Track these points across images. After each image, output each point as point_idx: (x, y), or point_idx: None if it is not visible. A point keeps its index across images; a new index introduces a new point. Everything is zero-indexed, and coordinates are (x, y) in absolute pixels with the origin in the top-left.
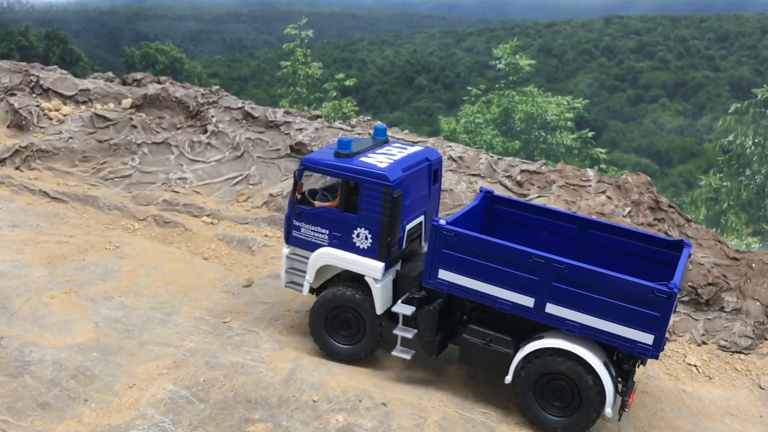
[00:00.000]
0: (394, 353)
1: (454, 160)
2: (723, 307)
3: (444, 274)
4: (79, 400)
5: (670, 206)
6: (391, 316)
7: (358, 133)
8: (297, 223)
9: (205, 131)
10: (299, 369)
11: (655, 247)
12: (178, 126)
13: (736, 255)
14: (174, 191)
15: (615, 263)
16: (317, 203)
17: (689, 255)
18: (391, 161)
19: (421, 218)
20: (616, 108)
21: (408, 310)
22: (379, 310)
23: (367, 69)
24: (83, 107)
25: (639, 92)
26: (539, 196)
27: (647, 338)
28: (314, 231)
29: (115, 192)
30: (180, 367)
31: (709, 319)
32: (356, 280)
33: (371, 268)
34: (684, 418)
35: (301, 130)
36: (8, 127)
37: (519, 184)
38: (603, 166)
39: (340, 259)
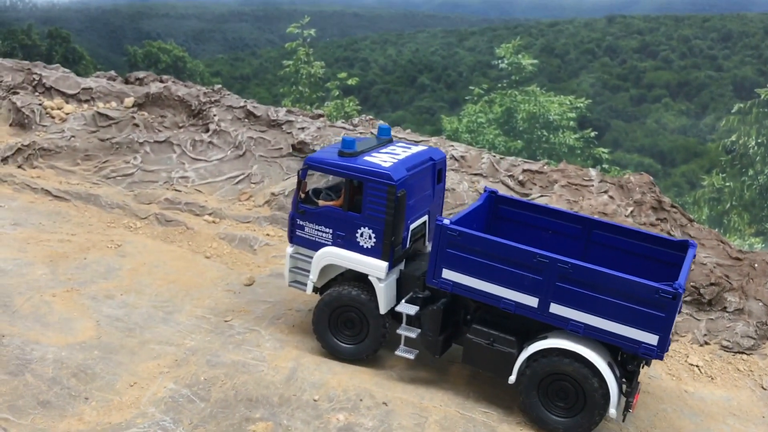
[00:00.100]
0: (397, 353)
1: (456, 159)
2: (725, 308)
3: (448, 274)
4: (80, 398)
5: (672, 206)
6: (394, 316)
7: (360, 133)
8: (301, 223)
9: (207, 130)
10: (300, 368)
11: (660, 248)
12: (180, 125)
13: (738, 255)
14: (176, 190)
15: (619, 263)
16: (321, 202)
17: (694, 255)
18: (395, 161)
19: (425, 218)
20: (618, 108)
21: (412, 309)
22: (382, 310)
23: (370, 68)
24: (85, 106)
25: (642, 92)
26: (541, 196)
27: (652, 339)
28: (318, 230)
29: (117, 190)
30: (181, 366)
31: (712, 319)
32: (360, 279)
33: (375, 267)
34: (686, 418)
35: (303, 129)
36: (11, 125)
37: (521, 183)
38: (605, 166)
39: (344, 258)
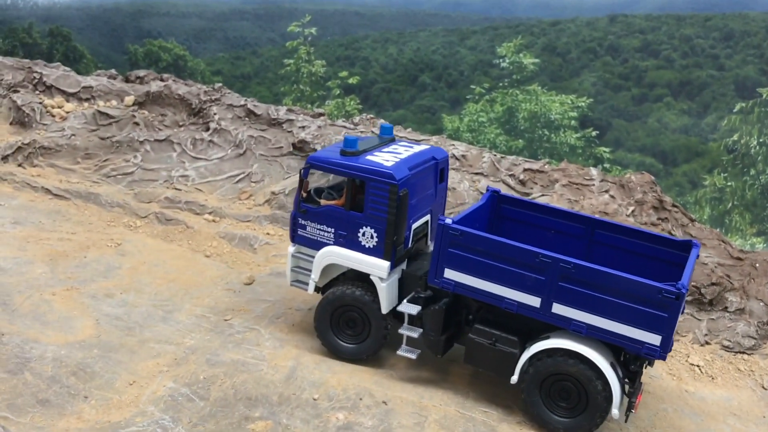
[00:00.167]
0: (399, 352)
1: (457, 158)
2: (726, 307)
3: (450, 274)
4: (79, 396)
5: (673, 205)
6: (396, 316)
7: (361, 131)
8: (302, 222)
9: (208, 129)
10: (300, 367)
11: (663, 248)
12: (181, 123)
13: (740, 255)
14: (176, 189)
15: (622, 263)
16: (323, 202)
17: (698, 256)
18: (398, 160)
19: (428, 217)
20: (620, 107)
21: (413, 309)
22: (384, 309)
23: (371, 67)
24: (86, 104)
25: (643, 91)
26: (542, 195)
27: (654, 339)
28: (320, 229)
29: (117, 189)
30: (180, 365)
31: (713, 319)
32: (362, 279)
33: (377, 267)
34: (686, 418)
35: (303, 127)
36: (11, 124)
37: (522, 182)
38: (607, 165)
39: (346, 257)
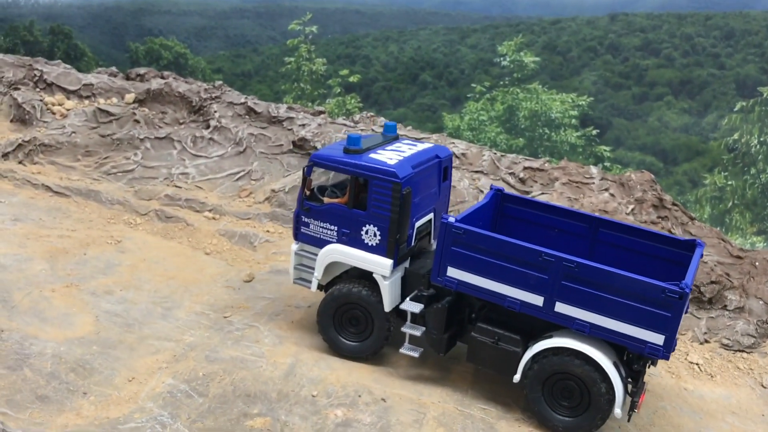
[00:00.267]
0: (402, 351)
1: (457, 156)
2: (726, 306)
3: (453, 272)
4: (78, 393)
5: (673, 204)
6: (399, 314)
7: (361, 129)
8: (305, 220)
9: (208, 126)
10: (299, 364)
11: (667, 247)
12: (181, 121)
13: (739, 253)
14: (176, 186)
15: (626, 262)
16: (326, 200)
17: (701, 255)
18: (401, 158)
19: (431, 216)
20: (620, 106)
21: (416, 307)
22: (387, 308)
23: (371, 65)
24: (86, 102)
25: (644, 90)
26: (542, 194)
27: (658, 338)
28: (323, 227)
29: (118, 187)
30: (179, 361)
31: (712, 317)
32: (365, 277)
33: (380, 265)
34: (685, 416)
35: (303, 125)
36: (11, 121)
37: (522, 181)
38: (607, 164)
39: (349, 255)
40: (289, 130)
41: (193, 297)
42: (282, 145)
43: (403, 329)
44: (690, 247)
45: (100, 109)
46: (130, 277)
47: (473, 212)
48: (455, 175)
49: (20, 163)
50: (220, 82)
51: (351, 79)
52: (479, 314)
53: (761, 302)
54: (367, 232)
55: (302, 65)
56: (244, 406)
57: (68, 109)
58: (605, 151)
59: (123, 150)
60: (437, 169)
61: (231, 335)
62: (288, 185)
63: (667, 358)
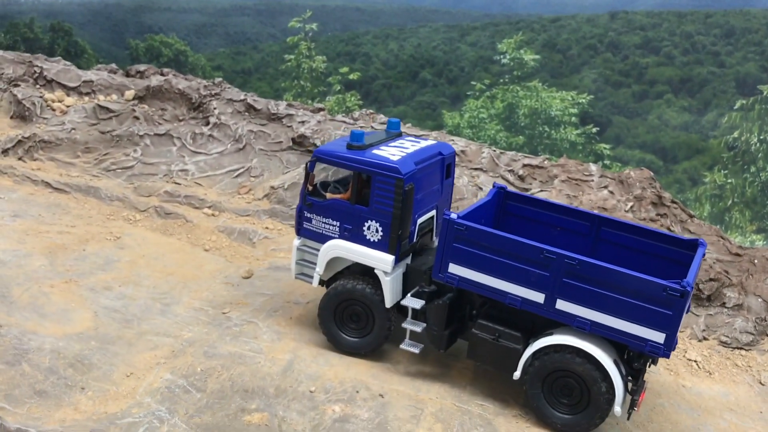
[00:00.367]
0: (402, 346)
1: (456, 154)
2: (724, 303)
3: (454, 269)
4: (76, 388)
5: (672, 202)
6: (400, 310)
7: (361, 126)
8: (308, 215)
9: (208, 123)
10: (297, 360)
11: (670, 246)
12: (181, 118)
13: (738, 251)
14: (175, 183)
15: (627, 261)
16: (329, 195)
17: (703, 254)
18: (404, 154)
19: (433, 213)
20: (620, 104)
21: (417, 303)
22: (388, 303)
23: (371, 63)
24: (86, 98)
25: (644, 88)
26: (541, 191)
27: (659, 337)
28: (325, 223)
29: (117, 183)
30: (178, 357)
31: (711, 314)
32: (366, 273)
33: (381, 260)
34: (683, 413)
35: (303, 122)
36: (11, 117)
37: (521, 178)
38: (607, 162)
39: (351, 251)
40: (288, 127)
41: (191, 293)
42: (281, 142)
43: (404, 325)
44: (692, 246)
45: (99, 106)
46: (129, 273)
47: (475, 209)
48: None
49: (20, 159)
50: (220, 79)
51: (351, 76)
52: (480, 311)
53: (760, 300)
54: (369, 228)
55: (302, 63)
56: (241, 401)
57: (68, 106)
58: (605, 149)
59: (122, 146)
60: (440, 166)
61: (229, 331)
62: (287, 182)
63: (668, 356)
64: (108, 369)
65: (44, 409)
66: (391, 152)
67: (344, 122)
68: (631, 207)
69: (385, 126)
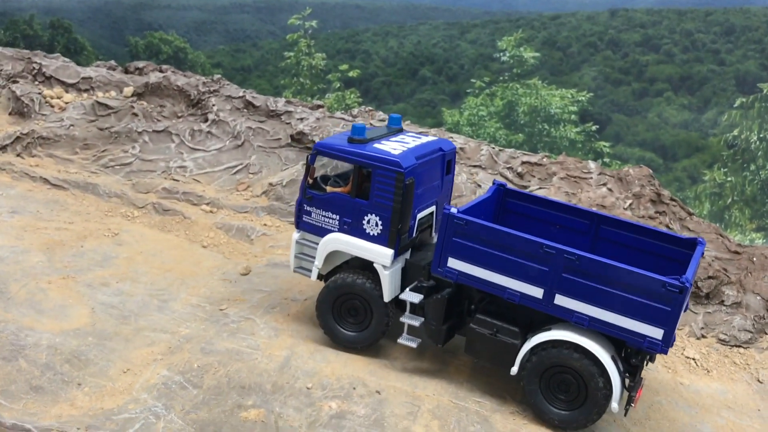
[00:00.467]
0: (400, 341)
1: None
2: (723, 301)
3: (453, 263)
4: (73, 384)
5: (671, 199)
6: (398, 305)
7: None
8: (308, 208)
9: (206, 120)
10: (294, 356)
11: (668, 245)
12: (179, 114)
13: (737, 249)
14: (174, 179)
15: (627, 259)
16: (329, 189)
17: (702, 253)
18: (405, 149)
19: (433, 208)
20: (620, 101)
21: (416, 298)
22: (386, 298)
23: (371, 60)
24: (85, 95)
25: (644, 86)
26: (540, 188)
27: (657, 333)
28: (325, 216)
29: (115, 179)
30: (175, 353)
31: (709, 312)
32: (365, 267)
33: (380, 254)
34: (681, 410)
35: (302, 119)
36: (10, 114)
37: (520, 175)
38: (607, 159)
39: (350, 245)
40: (287, 123)
41: (189, 289)
42: (280, 138)
43: (402, 319)
44: (691, 245)
45: (98, 102)
46: (127, 270)
47: (475, 205)
48: None
49: (18, 155)
50: (219, 76)
51: (350, 74)
52: (478, 306)
53: (758, 297)
54: (368, 222)
55: (302, 60)
56: (238, 397)
57: (67, 102)
58: (605, 146)
59: (121, 143)
60: (441, 162)
61: (227, 327)
62: (286, 179)
63: (666, 353)
64: (105, 365)
65: (40, 405)
66: (393, 146)
67: (343, 119)
68: (630, 205)
69: (385, 123)
